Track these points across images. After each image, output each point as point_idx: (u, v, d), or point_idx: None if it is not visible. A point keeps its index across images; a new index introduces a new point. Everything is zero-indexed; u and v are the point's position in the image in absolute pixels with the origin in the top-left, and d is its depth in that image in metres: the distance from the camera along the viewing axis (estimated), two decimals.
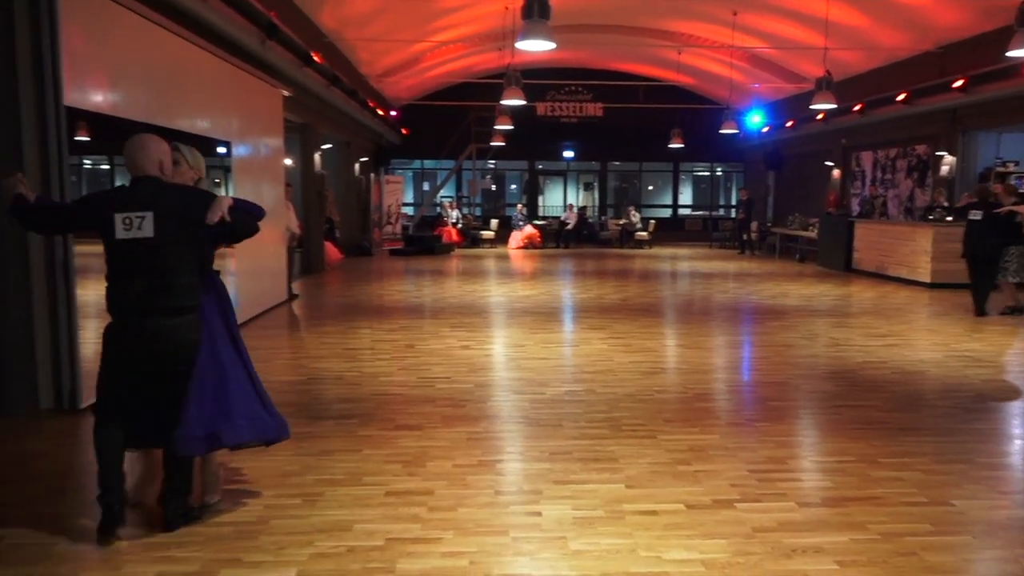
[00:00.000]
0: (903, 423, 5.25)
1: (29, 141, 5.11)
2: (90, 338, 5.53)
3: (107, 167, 13.17)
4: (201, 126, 8.09)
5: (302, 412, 5.42)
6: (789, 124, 20.75)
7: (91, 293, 5.29)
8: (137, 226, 3.36)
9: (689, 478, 4.18)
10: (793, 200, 22.23)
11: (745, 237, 20.85)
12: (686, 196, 30.06)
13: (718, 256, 19.97)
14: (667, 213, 27.82)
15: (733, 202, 28.04)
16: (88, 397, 5.39)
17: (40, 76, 5.11)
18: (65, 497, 3.88)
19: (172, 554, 3.26)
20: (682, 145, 22.36)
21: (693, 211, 29.26)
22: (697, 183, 31.03)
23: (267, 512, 3.69)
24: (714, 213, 28.03)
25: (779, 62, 19.44)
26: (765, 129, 22.59)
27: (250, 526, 3.54)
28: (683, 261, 18.65)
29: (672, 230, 26.12)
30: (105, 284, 3.47)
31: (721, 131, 18.78)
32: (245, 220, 3.58)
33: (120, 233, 3.36)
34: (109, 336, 3.48)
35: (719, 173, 29.65)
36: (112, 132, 6.24)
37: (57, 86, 5.16)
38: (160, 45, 6.97)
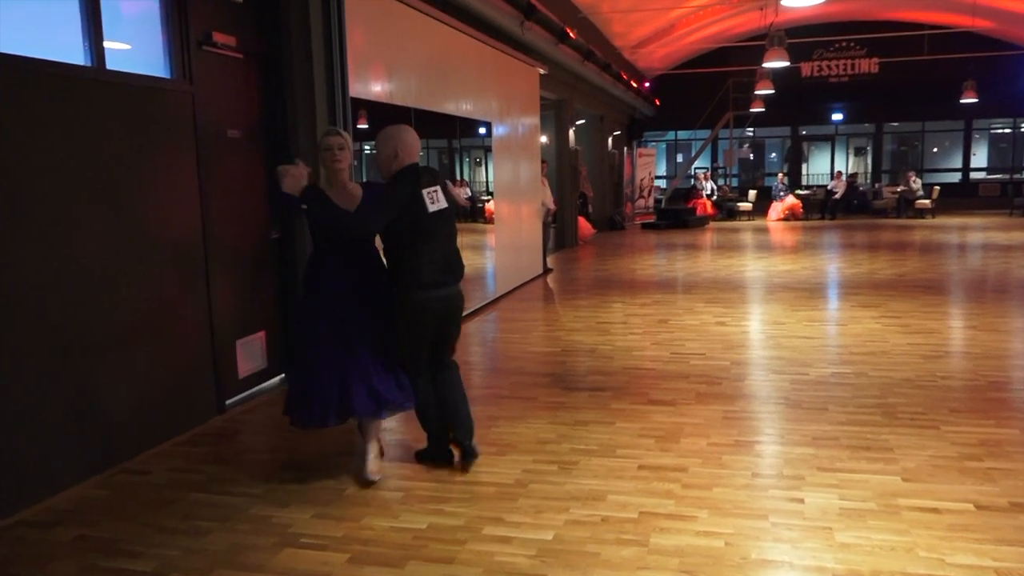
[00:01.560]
0: None
1: (322, 129, 5.75)
2: None
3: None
4: (465, 108, 8.59)
5: (557, 382, 5.61)
6: None
7: None
8: (438, 199, 3.85)
9: (980, 475, 3.74)
10: None
11: None
12: (980, 158, 26.55)
13: (1021, 225, 17.46)
14: (955, 178, 24.77)
15: None
16: None
17: (331, 72, 5.72)
18: (353, 448, 4.37)
19: (441, 508, 3.56)
20: (976, 100, 19.77)
21: (988, 174, 25.77)
22: (995, 142, 27.25)
23: (525, 476, 3.89)
24: (1016, 176, 24.45)
25: None
26: None
27: (510, 488, 3.75)
28: (975, 231, 16.56)
29: (962, 196, 23.23)
30: (389, 261, 3.88)
31: None
32: None
33: (429, 207, 3.80)
34: (408, 310, 3.80)
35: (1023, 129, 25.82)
36: (388, 119, 6.84)
37: (344, 79, 5.75)
38: (428, 34, 7.49)
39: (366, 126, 6.68)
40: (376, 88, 6.51)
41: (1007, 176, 24.63)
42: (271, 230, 5.59)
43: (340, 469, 4.06)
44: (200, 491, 3.83)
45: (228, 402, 5.12)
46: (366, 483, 3.86)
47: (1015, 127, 25.55)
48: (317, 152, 4.02)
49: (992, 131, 26.73)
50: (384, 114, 6.71)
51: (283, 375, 5.73)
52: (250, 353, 5.38)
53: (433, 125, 8.39)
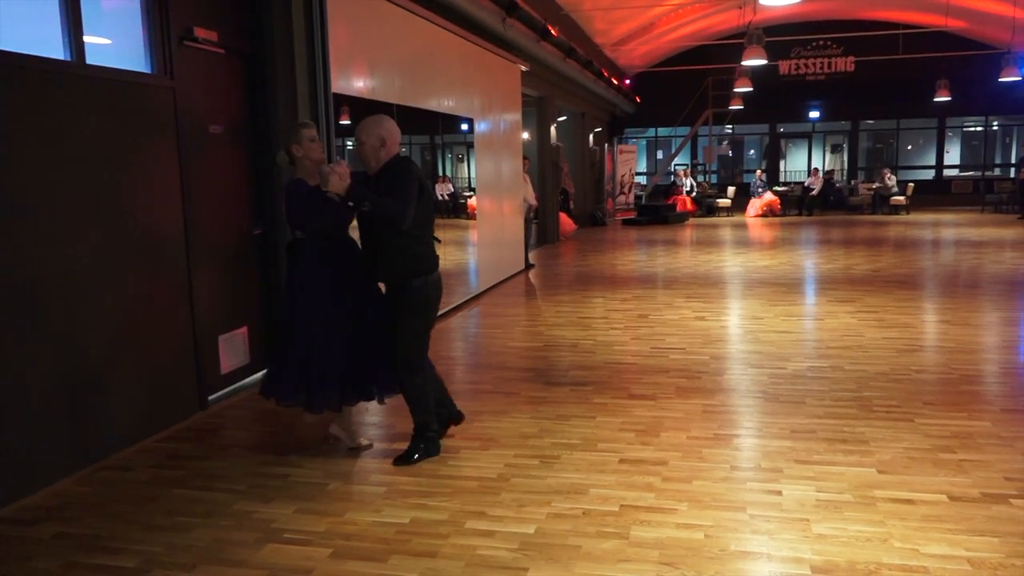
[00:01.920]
0: None
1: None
2: None
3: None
4: (447, 105, 8.57)
5: (539, 377, 5.62)
6: None
7: None
8: (434, 190, 3.88)
9: (953, 467, 3.80)
10: None
11: None
12: (953, 155, 26.87)
13: (992, 222, 17.69)
14: (929, 175, 25.04)
15: (1013, 159, 24.59)
16: None
17: (313, 67, 5.69)
18: (335, 443, 4.35)
19: (424, 502, 3.55)
20: (949, 98, 20.00)
21: (961, 171, 26.08)
22: (967, 140, 27.60)
23: (507, 470, 3.89)
24: (988, 173, 24.76)
25: None
26: None
27: (492, 482, 3.76)
28: (948, 228, 16.76)
29: (935, 193, 23.47)
30: (402, 246, 3.86)
31: (1000, 79, 16.50)
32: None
33: (436, 196, 3.85)
34: (428, 292, 3.95)
35: (995, 127, 26.13)
36: (371, 115, 6.81)
37: (326, 75, 5.71)
38: (411, 31, 7.46)
39: (348, 122, 6.64)
40: (359, 84, 6.48)
41: (979, 173, 24.95)
42: (253, 226, 5.56)
43: (323, 465, 4.04)
44: (183, 487, 3.80)
45: (211, 398, 5.09)
46: (360, 448, 4.21)
47: (987, 125, 25.87)
48: (294, 144, 3.98)
49: (965, 129, 27.06)
50: (366, 110, 6.67)
51: (266, 370, 5.69)
52: (232, 349, 5.35)
53: (415, 121, 8.36)
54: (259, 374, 5.63)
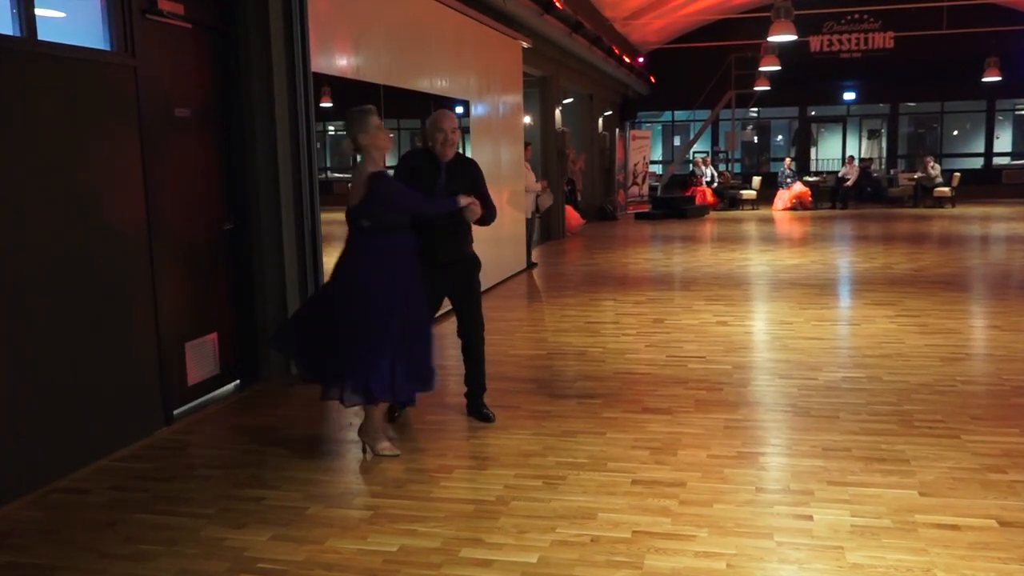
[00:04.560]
0: None
1: (280, 108, 5.72)
2: None
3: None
4: (440, 85, 8.58)
5: (543, 389, 5.63)
6: None
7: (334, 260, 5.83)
8: None
9: (1004, 489, 3.79)
10: None
11: None
12: (1004, 142, 26.85)
13: None
14: (978, 163, 25.07)
15: None
16: None
17: (291, 44, 5.70)
18: (315, 462, 4.36)
19: (415, 528, 3.55)
20: (999, 78, 20.02)
21: (1013, 160, 26.09)
22: (1020, 124, 27.59)
23: (507, 492, 3.89)
24: None
25: None
26: None
27: (491, 506, 3.76)
28: (998, 222, 16.77)
29: (984, 184, 23.51)
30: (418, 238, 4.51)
31: None
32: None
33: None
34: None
35: None
36: (355, 97, 6.81)
37: (305, 53, 5.72)
38: (400, 3, 7.47)
39: (330, 104, 6.66)
40: (341, 63, 6.49)
41: None
42: (224, 220, 5.56)
43: (302, 486, 4.05)
44: (144, 511, 3.80)
45: (176, 412, 5.09)
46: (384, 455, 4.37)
47: None
48: (360, 132, 4.27)
49: (1017, 112, 27.04)
50: (350, 92, 6.69)
51: (237, 381, 5.70)
52: (201, 357, 5.35)
53: (405, 104, 8.37)
54: (230, 385, 5.64)
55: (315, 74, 5.87)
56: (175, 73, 5.11)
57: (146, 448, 4.65)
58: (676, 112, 26.84)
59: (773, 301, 8.70)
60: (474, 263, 4.97)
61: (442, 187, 4.64)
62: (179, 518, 3.72)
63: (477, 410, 4.98)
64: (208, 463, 4.45)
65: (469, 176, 4.80)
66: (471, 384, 5.02)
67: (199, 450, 4.66)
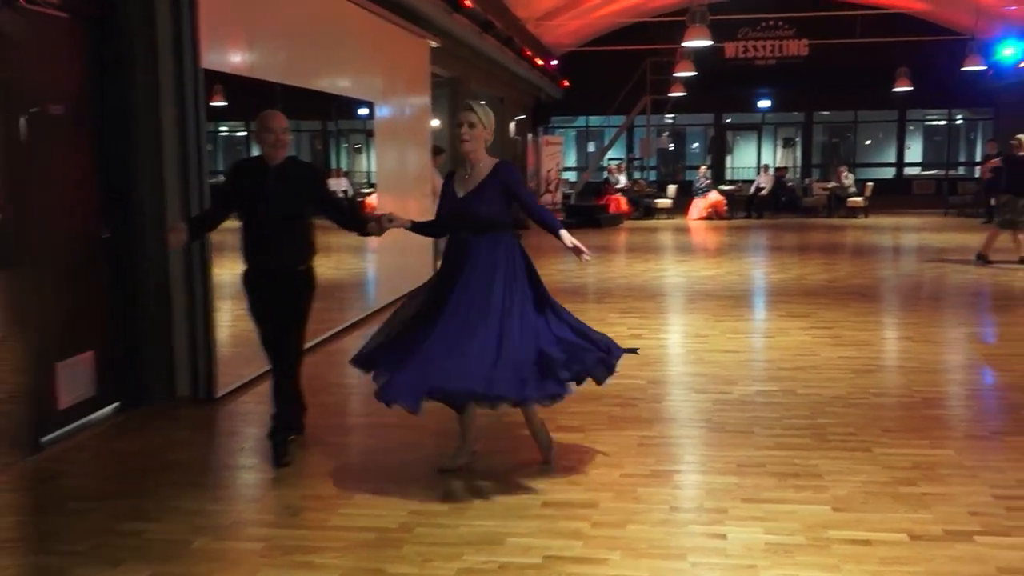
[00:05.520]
0: None
1: (166, 107, 5.56)
2: (225, 321, 5.98)
3: (243, 134, 14.11)
4: (342, 85, 8.48)
5: (446, 408, 5.59)
6: None
7: (226, 273, 5.69)
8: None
9: (914, 502, 3.96)
10: None
11: (993, 203, 19.28)
12: (914, 152, 28.25)
13: (956, 226, 18.64)
14: (889, 174, 26.30)
15: (978, 158, 26.01)
16: (226, 385, 5.83)
17: (178, 37, 5.54)
18: (203, 491, 4.23)
19: (311, 559, 3.48)
20: (910, 88, 21.01)
21: (923, 171, 27.44)
22: (930, 135, 29.06)
23: (411, 519, 3.85)
24: (952, 173, 26.13)
25: None
26: (1023, 64, 20.76)
27: (393, 533, 3.71)
28: (910, 233, 17.57)
29: (895, 195, 24.64)
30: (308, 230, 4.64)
31: (963, 68, 17.44)
32: None
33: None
34: None
35: (959, 122, 27.64)
36: (250, 96, 6.68)
37: (195, 47, 5.57)
38: None
39: (223, 103, 6.51)
40: (235, 59, 6.34)
41: (942, 172, 26.29)
42: (102, 228, 5.36)
43: (187, 517, 3.91)
44: (7, 549, 3.62)
45: (45, 439, 4.86)
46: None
47: (950, 119, 27.33)
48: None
49: (927, 123, 28.49)
50: (245, 90, 6.55)
51: (116, 404, 5.48)
52: (74, 378, 5.13)
53: (304, 104, 8.25)
54: (108, 408, 5.41)
55: (205, 71, 5.72)
56: (46, 66, 4.91)
57: (11, 479, 4.43)
58: (590, 117, 27.25)
59: (688, 313, 8.88)
60: (304, 281, 4.69)
61: (268, 192, 4.48)
62: (48, 556, 3.55)
63: (275, 447, 4.55)
64: (81, 494, 4.27)
65: (300, 181, 4.60)
66: (278, 420, 4.62)
67: (71, 480, 4.47)
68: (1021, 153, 11.77)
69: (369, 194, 11.37)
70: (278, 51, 6.99)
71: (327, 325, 7.69)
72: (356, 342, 7.76)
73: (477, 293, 4.21)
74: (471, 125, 4.31)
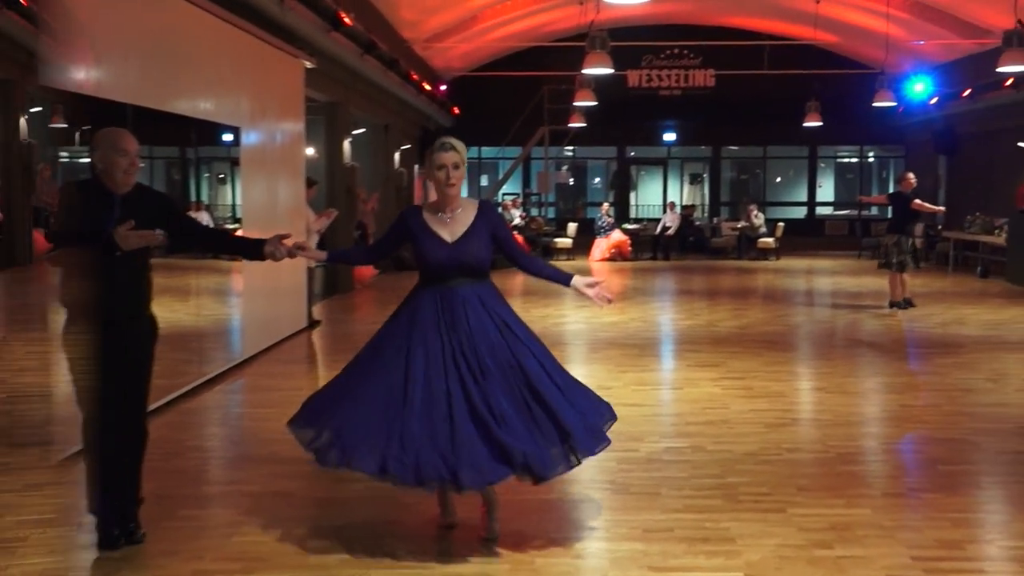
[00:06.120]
0: None
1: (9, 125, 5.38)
2: None
3: (88, 160, 13.72)
4: (204, 108, 8.35)
5: (319, 472, 5.49)
6: (965, 93, 20.23)
7: None
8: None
9: (830, 566, 4.09)
10: (972, 195, 21.59)
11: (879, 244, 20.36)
12: (827, 190, 29.57)
13: (869, 270, 19.51)
14: (801, 213, 27.40)
15: None
16: None
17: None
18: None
19: None
20: (820, 123, 22.02)
21: (835, 210, 28.73)
22: (842, 172, 30.50)
23: None
24: (865, 213, 27.45)
25: (951, 11, 19.01)
26: (933, 100, 22.08)
27: None
28: (823, 276, 18.32)
29: (807, 235, 25.68)
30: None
31: (874, 104, 18.40)
32: None
33: None
34: None
35: (871, 159, 29.10)
36: (97, 117, 6.51)
37: (32, 61, 5.41)
38: (155, 7, 7.24)
39: (64, 125, 6.34)
40: (79, 76, 6.17)
41: (855, 212, 27.56)
42: None
43: None
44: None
45: None
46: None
47: (862, 156, 28.73)
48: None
49: (838, 160, 29.87)
50: (90, 111, 6.39)
51: None
52: None
53: (160, 128, 8.11)
54: None
55: (43, 88, 5.56)
56: None
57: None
58: (483, 148, 27.47)
59: (591, 363, 8.99)
60: (154, 328, 4.44)
61: (114, 225, 4.07)
62: None
63: (124, 526, 4.25)
64: None
65: (154, 212, 4.29)
66: (120, 494, 4.30)
67: None
68: (909, 192, 12.40)
69: (235, 230, 11.17)
70: (130, 68, 6.84)
71: (184, 380, 7.48)
72: (218, 398, 7.59)
73: (486, 348, 4.22)
74: (455, 166, 4.28)
